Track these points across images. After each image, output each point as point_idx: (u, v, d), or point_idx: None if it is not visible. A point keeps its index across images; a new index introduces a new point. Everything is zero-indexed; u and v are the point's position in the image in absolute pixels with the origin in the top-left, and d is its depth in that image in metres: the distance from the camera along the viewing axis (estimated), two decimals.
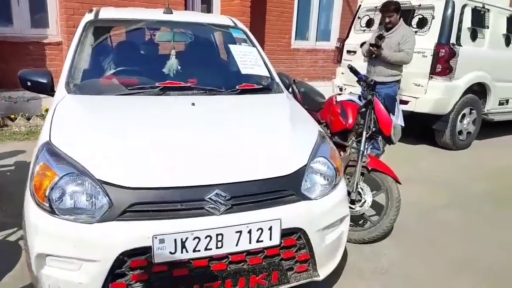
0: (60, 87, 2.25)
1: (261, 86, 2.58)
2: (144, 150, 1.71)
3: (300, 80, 4.10)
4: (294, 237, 1.74)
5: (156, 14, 2.87)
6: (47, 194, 1.54)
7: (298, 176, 1.79)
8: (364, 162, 2.66)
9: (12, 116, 5.19)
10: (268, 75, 2.71)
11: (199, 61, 2.85)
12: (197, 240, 1.55)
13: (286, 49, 7.82)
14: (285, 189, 1.74)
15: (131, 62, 2.71)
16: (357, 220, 2.80)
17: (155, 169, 1.64)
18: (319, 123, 3.22)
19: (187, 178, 1.62)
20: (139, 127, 1.90)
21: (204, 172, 1.66)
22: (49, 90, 2.32)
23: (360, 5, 5.89)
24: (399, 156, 4.39)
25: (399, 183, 2.66)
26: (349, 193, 2.63)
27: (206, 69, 2.73)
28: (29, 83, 2.28)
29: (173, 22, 2.85)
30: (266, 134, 2.01)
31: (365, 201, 2.67)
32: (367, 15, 5.68)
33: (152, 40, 3.17)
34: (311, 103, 3.40)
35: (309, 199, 1.79)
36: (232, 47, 2.74)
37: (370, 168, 2.66)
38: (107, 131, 1.83)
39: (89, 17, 2.74)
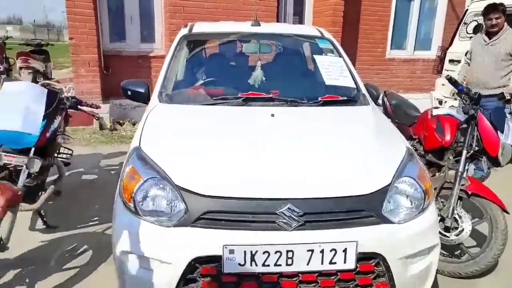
0: (154, 97, 2.44)
1: (345, 98, 2.47)
2: (220, 160, 1.74)
3: (392, 91, 3.84)
4: (372, 262, 1.60)
5: (245, 26, 2.95)
6: (132, 195, 1.66)
7: (379, 196, 1.64)
8: (462, 185, 2.35)
9: (121, 122, 5.84)
10: (354, 86, 2.58)
11: (284, 72, 2.85)
12: (266, 254, 1.52)
13: (381, 59, 7.46)
14: (363, 209, 1.61)
15: (219, 73, 2.82)
16: (452, 251, 2.48)
17: (230, 179, 1.65)
18: (412, 139, 2.96)
19: (260, 190, 1.60)
20: (218, 137, 1.94)
21: (277, 185, 1.62)
22: (146, 99, 2.49)
23: (467, 9, 5.32)
24: (510, 180, 3.81)
25: (507, 212, 2.28)
26: (443, 219, 2.35)
27: (290, 80, 2.71)
28: (129, 92, 2.50)
29: (259, 34, 2.91)
30: (346, 149, 1.89)
31: (462, 230, 2.35)
32: (475, 20, 5.10)
33: (241, 52, 3.27)
34: (403, 116, 3.17)
35: (391, 222, 1.63)
36: (317, 57, 2.68)
37: (470, 193, 2.34)
38: (189, 139, 1.91)
39: (184, 31, 2.94)
